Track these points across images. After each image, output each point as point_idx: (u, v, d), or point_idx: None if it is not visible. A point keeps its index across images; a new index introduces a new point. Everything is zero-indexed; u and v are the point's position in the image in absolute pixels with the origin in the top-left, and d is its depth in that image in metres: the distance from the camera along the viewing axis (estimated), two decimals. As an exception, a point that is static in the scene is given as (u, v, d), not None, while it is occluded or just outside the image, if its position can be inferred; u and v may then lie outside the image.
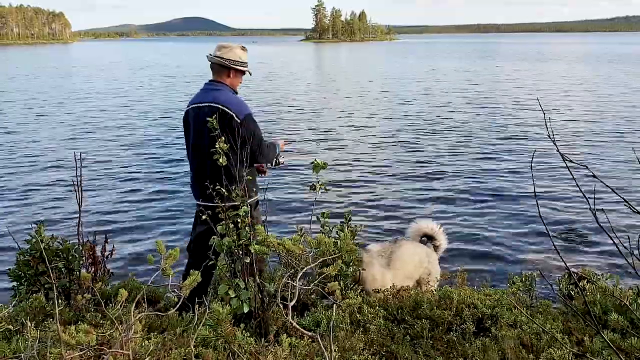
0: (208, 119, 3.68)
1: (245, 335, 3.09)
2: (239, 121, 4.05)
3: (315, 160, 4.32)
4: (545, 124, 1.70)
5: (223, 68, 4.25)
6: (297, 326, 2.54)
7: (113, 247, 4.56)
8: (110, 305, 3.50)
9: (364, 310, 3.87)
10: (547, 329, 3.60)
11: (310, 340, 3.12)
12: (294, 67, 45.14)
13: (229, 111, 4.06)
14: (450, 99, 23.31)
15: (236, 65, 4.25)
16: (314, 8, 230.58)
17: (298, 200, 8.91)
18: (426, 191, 9.69)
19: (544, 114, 1.55)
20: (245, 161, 4.05)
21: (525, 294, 4.52)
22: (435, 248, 5.00)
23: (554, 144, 1.65)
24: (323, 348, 2.36)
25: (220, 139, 3.54)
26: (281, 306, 2.73)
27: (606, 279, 5.34)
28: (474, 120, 17.32)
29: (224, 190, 3.49)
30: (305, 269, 2.78)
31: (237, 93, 4.39)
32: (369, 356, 3.21)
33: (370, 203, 8.98)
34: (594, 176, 1.51)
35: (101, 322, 3.46)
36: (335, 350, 3.01)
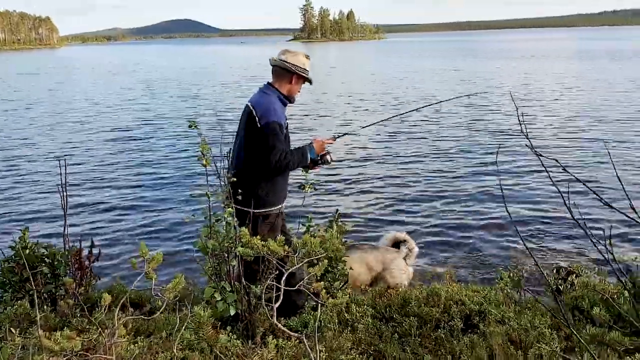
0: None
1: (232, 337, 3.07)
2: (259, 126, 3.93)
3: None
4: (519, 119, 1.70)
5: (286, 72, 4.13)
6: (283, 327, 2.53)
7: (99, 251, 4.51)
8: (96, 310, 3.48)
9: (352, 309, 3.87)
10: (535, 325, 3.61)
11: (297, 341, 3.11)
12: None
13: (254, 113, 3.97)
14: (430, 97, 23.36)
15: (299, 71, 4.14)
16: (302, 8, 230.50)
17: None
18: (412, 190, 9.67)
19: (517, 109, 1.54)
20: (254, 167, 4.01)
21: (513, 290, 4.53)
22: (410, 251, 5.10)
23: (527, 138, 1.66)
24: (309, 349, 2.35)
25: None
26: (266, 308, 2.71)
27: (595, 274, 5.38)
28: (463, 120, 17.36)
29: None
30: (290, 270, 2.78)
31: (293, 101, 4.26)
32: (357, 355, 3.21)
33: (355, 206, 8.95)
34: (564, 170, 1.52)
35: (87, 327, 3.43)
36: (322, 350, 3.00)
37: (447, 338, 3.53)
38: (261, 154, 3.95)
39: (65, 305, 3.47)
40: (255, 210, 3.96)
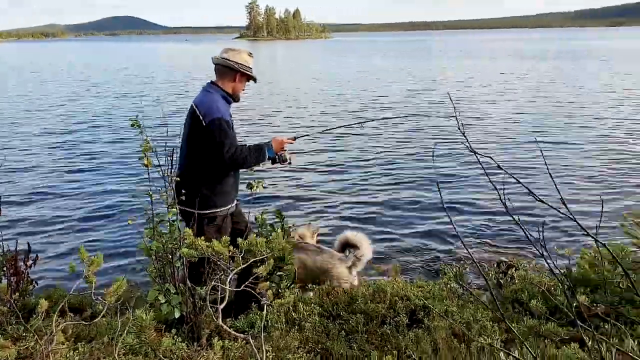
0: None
1: (177, 340, 3.02)
2: (204, 124, 3.89)
3: (250, 182, 4.27)
4: (456, 118, 1.74)
5: (229, 71, 4.10)
6: (228, 329, 2.50)
7: (37, 255, 4.34)
8: (34, 316, 3.34)
9: (299, 308, 3.87)
10: (477, 318, 3.71)
11: (244, 341, 3.09)
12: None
13: (197, 112, 3.93)
14: (375, 96, 23.67)
15: (243, 69, 4.11)
16: (248, 6, 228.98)
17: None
18: (354, 189, 9.74)
19: (454, 108, 1.58)
20: (199, 167, 3.97)
21: (456, 285, 4.64)
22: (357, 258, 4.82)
23: (464, 135, 1.70)
24: (255, 349, 2.33)
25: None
26: (211, 310, 2.68)
27: (534, 267, 5.58)
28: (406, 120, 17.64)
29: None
30: (235, 271, 2.75)
31: (237, 99, 4.22)
32: (304, 354, 3.21)
33: (300, 208, 8.96)
34: (499, 167, 1.56)
35: (23, 335, 3.29)
36: (269, 350, 2.99)
37: (392, 333, 3.57)
38: (211, 152, 3.92)
39: (-1, 312, 3.32)
40: (200, 211, 3.91)
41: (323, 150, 13.01)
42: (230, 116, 4.14)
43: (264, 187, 4.66)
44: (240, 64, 4.11)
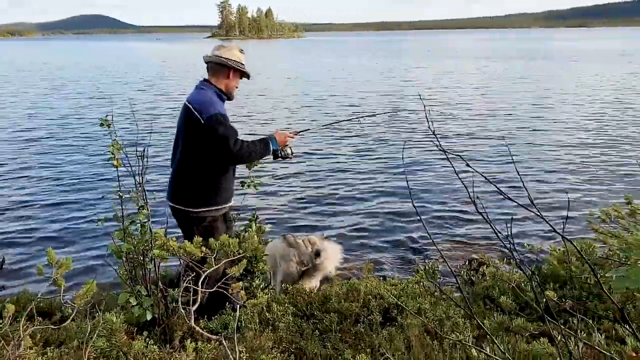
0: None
1: (149, 342, 2.98)
2: (202, 122, 3.80)
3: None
4: (426, 117, 1.76)
5: (222, 68, 4.03)
6: (201, 330, 2.48)
7: (3, 259, 4.26)
8: (0, 321, 3.27)
9: (273, 308, 3.86)
10: (450, 315, 3.76)
11: (217, 343, 3.07)
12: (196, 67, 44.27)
13: (192, 110, 3.84)
14: (347, 94, 23.79)
15: (236, 66, 4.05)
16: (220, 5, 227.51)
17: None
18: (326, 189, 9.76)
19: (425, 107, 1.60)
20: (205, 165, 3.92)
21: (429, 283, 4.68)
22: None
23: (434, 135, 1.71)
24: (228, 350, 2.32)
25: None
26: (183, 312, 2.65)
27: (505, 264, 5.66)
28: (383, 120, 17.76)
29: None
30: (208, 272, 2.72)
31: (231, 97, 4.15)
32: (278, 354, 3.20)
33: (273, 207, 8.95)
34: (467, 165, 1.58)
35: (-10, 340, 3.22)
36: (242, 351, 2.97)
37: (366, 332, 3.59)
38: (212, 149, 3.85)
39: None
40: (191, 209, 3.90)
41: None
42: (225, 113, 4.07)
43: (257, 189, 4.60)
44: (233, 60, 4.05)
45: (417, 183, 9.87)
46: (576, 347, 2.16)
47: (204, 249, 2.83)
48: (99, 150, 12.80)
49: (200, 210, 3.96)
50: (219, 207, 4.07)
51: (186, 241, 2.97)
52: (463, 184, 1.49)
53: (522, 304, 3.90)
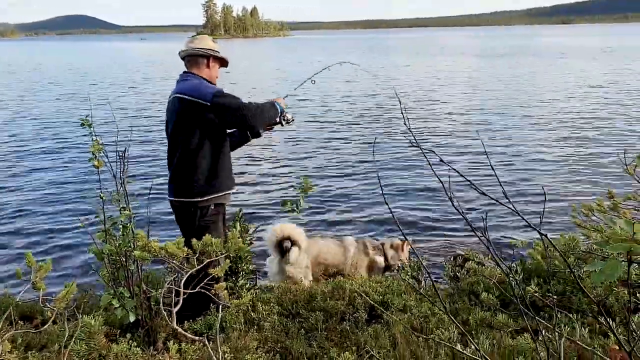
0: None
1: (132, 345, 2.95)
2: (208, 104, 3.74)
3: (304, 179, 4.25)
4: (402, 112, 1.75)
5: (200, 58, 4.01)
6: (184, 332, 2.46)
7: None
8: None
9: (258, 307, 3.84)
10: (435, 312, 3.76)
11: (201, 344, 3.05)
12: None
13: (193, 99, 3.77)
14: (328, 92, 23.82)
15: (213, 53, 4.03)
16: (205, 4, 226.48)
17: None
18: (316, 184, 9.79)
19: (400, 102, 1.59)
20: (207, 153, 3.90)
21: (414, 279, 4.69)
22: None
23: (409, 130, 1.71)
24: (211, 351, 2.30)
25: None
26: (165, 313, 2.63)
27: (489, 260, 5.68)
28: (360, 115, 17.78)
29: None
30: (190, 272, 2.70)
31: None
32: (263, 354, 3.19)
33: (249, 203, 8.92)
34: (441, 161, 1.58)
35: (-31, 345, 3.17)
36: (227, 352, 2.95)
37: (352, 330, 3.59)
38: (229, 123, 3.89)
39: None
40: (199, 199, 3.88)
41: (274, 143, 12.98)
42: None
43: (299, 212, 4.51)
44: (209, 49, 4.05)
45: (399, 180, 9.89)
46: (557, 342, 2.16)
47: (186, 249, 2.80)
48: (80, 151, 12.69)
49: (204, 199, 3.92)
50: (223, 192, 4.05)
51: (168, 242, 2.94)
52: (439, 179, 1.49)
53: (506, 300, 3.91)
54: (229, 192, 4.13)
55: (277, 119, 4.17)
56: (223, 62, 4.19)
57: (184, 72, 4.08)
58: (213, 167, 3.96)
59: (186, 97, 3.80)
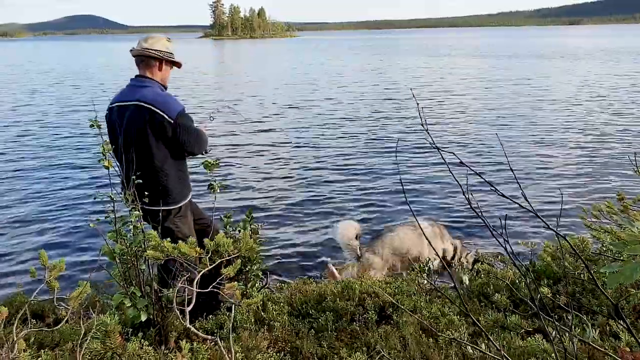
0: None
1: (144, 344, 2.97)
2: (172, 121, 3.77)
3: (206, 160, 4.16)
4: (419, 114, 1.76)
5: (152, 60, 3.97)
6: (196, 331, 2.47)
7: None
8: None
9: (269, 307, 3.86)
10: (445, 312, 3.76)
11: (213, 343, 3.06)
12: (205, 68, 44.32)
13: (158, 111, 3.76)
14: (337, 94, 23.81)
15: (167, 57, 4.01)
16: (212, 4, 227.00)
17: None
18: (318, 188, 9.76)
19: (417, 104, 1.60)
20: (170, 163, 3.93)
21: (424, 280, 4.69)
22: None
23: (427, 132, 1.71)
24: (223, 350, 2.31)
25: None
26: (178, 312, 2.64)
27: (500, 261, 5.67)
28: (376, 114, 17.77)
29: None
30: (202, 272, 2.71)
31: (166, 88, 4.10)
32: (274, 354, 3.20)
33: (265, 204, 8.94)
34: (461, 162, 1.58)
35: (-17, 344, 3.20)
36: (238, 351, 2.97)
37: (362, 330, 3.59)
38: (183, 145, 3.89)
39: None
40: (170, 207, 3.91)
41: (287, 148, 13.00)
42: None
43: (219, 192, 4.61)
44: (163, 51, 4.00)
45: (410, 181, 9.88)
46: (570, 343, 2.16)
47: (198, 249, 2.82)
48: (90, 151, 12.76)
49: (178, 206, 4.02)
50: (190, 195, 4.20)
51: (180, 242, 2.96)
52: (457, 180, 1.49)
53: (516, 301, 3.91)
54: (191, 194, 4.25)
55: None
56: (176, 63, 4.18)
57: (137, 75, 4.04)
58: (183, 173, 4.08)
59: (153, 107, 3.78)
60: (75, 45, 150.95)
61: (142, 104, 3.80)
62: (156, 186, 3.85)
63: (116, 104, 3.96)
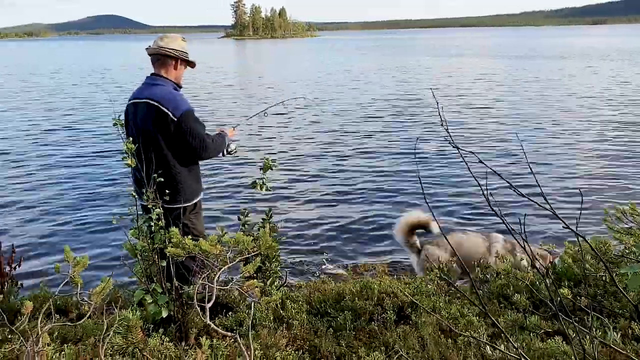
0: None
1: (165, 340, 3.01)
2: (175, 119, 3.84)
3: (266, 158, 4.28)
4: (439, 113, 1.76)
5: (168, 59, 4.04)
6: (216, 327, 2.50)
7: (21, 257, 4.32)
8: (19, 318, 3.32)
9: (287, 306, 3.88)
10: (464, 313, 3.74)
11: (232, 340, 3.09)
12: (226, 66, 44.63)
13: (163, 109, 3.84)
14: (358, 94, 23.76)
15: (182, 56, 4.08)
16: (234, 4, 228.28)
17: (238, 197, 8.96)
18: (337, 186, 9.78)
19: (437, 103, 1.60)
20: (182, 160, 3.99)
21: (443, 281, 4.66)
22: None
23: (447, 132, 1.71)
24: (242, 347, 2.34)
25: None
26: (198, 309, 2.68)
27: (521, 260, 5.61)
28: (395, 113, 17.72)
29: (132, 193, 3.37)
30: (223, 269, 2.75)
31: (180, 87, 4.18)
32: (292, 352, 3.22)
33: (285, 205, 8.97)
34: (480, 161, 1.58)
35: (9, 337, 3.27)
36: (257, 349, 2.99)
37: (380, 330, 3.59)
38: (188, 145, 3.94)
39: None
40: (188, 204, 3.97)
41: (303, 147, 13.02)
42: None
43: (269, 190, 4.65)
44: (179, 50, 4.07)
45: (429, 181, 9.84)
46: (591, 346, 2.15)
47: (219, 247, 2.85)
48: (113, 149, 12.93)
49: (192, 203, 4.12)
50: (202, 194, 4.31)
51: (201, 239, 2.99)
52: (476, 180, 1.49)
53: (536, 302, 3.88)
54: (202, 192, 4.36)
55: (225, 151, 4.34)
56: (190, 63, 4.23)
57: (152, 73, 4.11)
58: (190, 174, 4.12)
59: (161, 105, 3.86)
60: (100, 44, 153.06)
61: (151, 101, 3.89)
62: (170, 183, 3.91)
63: (131, 101, 4.07)
